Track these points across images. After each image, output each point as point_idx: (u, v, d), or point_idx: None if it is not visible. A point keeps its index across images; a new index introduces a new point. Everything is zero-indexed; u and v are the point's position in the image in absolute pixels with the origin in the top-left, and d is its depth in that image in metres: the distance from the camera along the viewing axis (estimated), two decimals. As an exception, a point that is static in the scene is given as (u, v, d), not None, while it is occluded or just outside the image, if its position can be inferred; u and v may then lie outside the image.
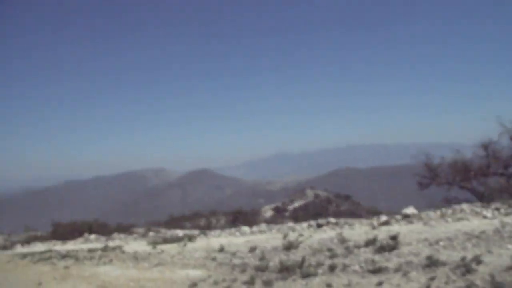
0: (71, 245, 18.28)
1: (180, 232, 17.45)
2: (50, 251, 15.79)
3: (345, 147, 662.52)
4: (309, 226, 13.16)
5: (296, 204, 64.90)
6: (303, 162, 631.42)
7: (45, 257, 13.69)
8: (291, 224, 15.21)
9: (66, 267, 11.53)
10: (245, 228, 14.67)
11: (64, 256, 13.46)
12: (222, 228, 18.59)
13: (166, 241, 14.26)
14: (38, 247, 19.45)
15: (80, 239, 20.39)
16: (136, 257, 11.62)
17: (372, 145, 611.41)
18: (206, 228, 20.31)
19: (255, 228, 14.52)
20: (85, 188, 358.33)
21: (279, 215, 56.32)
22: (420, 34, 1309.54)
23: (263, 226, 15.11)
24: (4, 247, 21.81)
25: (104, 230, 23.28)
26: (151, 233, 18.68)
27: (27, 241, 23.14)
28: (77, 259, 12.64)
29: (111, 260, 11.74)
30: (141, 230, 21.30)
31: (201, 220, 29.92)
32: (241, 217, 29.18)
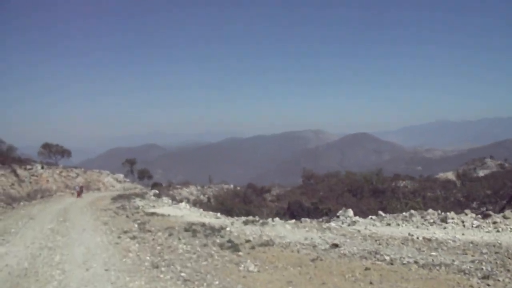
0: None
1: None
2: None
3: (508, 117, 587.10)
4: None
5: (481, 173, 63.86)
6: (464, 131, 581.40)
7: None
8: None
9: None
10: None
11: None
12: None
13: None
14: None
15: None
16: None
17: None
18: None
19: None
20: (246, 146, 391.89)
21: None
22: None
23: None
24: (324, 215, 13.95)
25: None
26: None
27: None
28: None
29: None
30: None
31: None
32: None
